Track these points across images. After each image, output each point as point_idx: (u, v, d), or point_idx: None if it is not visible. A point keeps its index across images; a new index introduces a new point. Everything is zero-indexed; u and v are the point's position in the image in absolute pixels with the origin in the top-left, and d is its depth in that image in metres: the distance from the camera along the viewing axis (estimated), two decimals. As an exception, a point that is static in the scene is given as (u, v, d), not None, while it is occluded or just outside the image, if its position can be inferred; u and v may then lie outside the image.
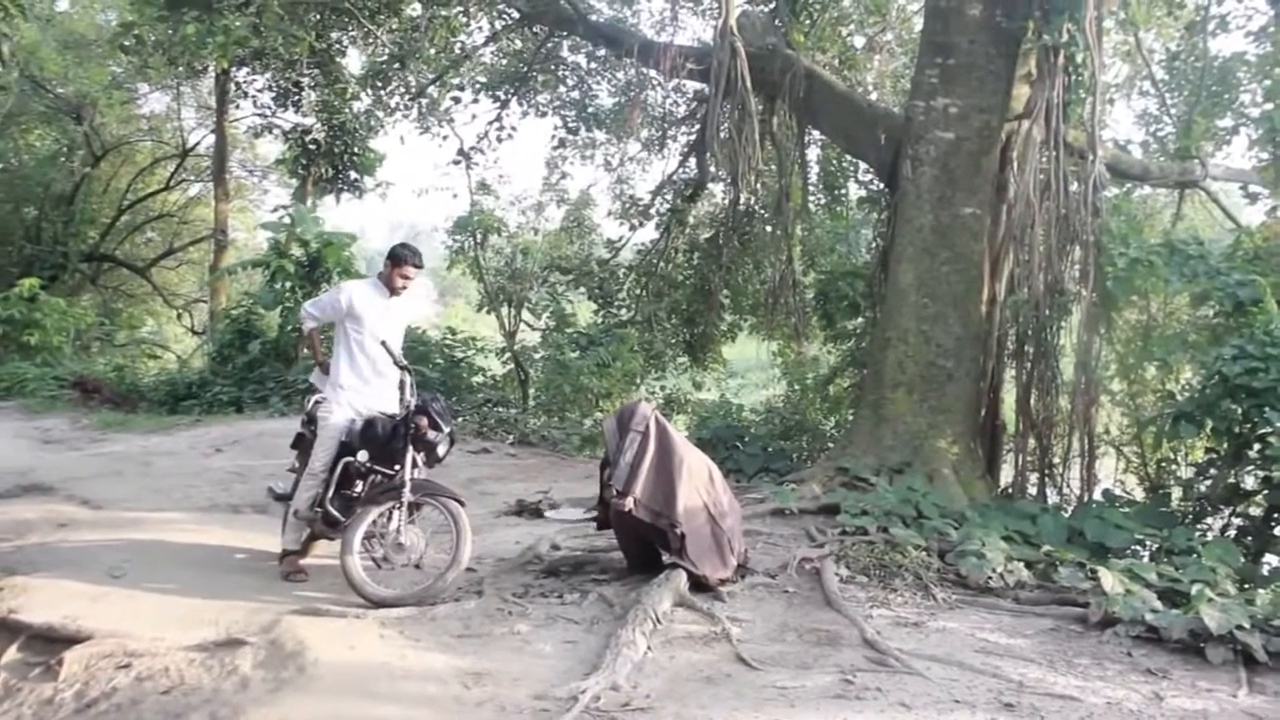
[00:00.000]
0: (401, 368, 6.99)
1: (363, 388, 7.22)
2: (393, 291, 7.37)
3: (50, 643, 5.91)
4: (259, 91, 21.02)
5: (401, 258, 7.33)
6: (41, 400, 17.64)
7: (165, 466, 11.66)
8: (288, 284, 18.42)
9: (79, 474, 11.08)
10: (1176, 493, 10.13)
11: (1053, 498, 10.81)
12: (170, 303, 32.07)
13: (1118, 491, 10.49)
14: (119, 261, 30.50)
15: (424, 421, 6.79)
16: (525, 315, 18.92)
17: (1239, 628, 6.01)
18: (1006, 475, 11.36)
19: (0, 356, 21.47)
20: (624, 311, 18.49)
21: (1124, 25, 14.05)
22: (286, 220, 19.60)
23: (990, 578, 7.31)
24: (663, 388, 18.43)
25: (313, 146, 20.63)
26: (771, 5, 14.48)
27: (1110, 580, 6.75)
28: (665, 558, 6.86)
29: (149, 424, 15.43)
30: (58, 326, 21.42)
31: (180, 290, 33.10)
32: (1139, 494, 10.78)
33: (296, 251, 18.75)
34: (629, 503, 6.61)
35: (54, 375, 19.24)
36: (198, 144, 30.54)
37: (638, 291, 18.52)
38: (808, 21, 14.79)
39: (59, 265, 26.39)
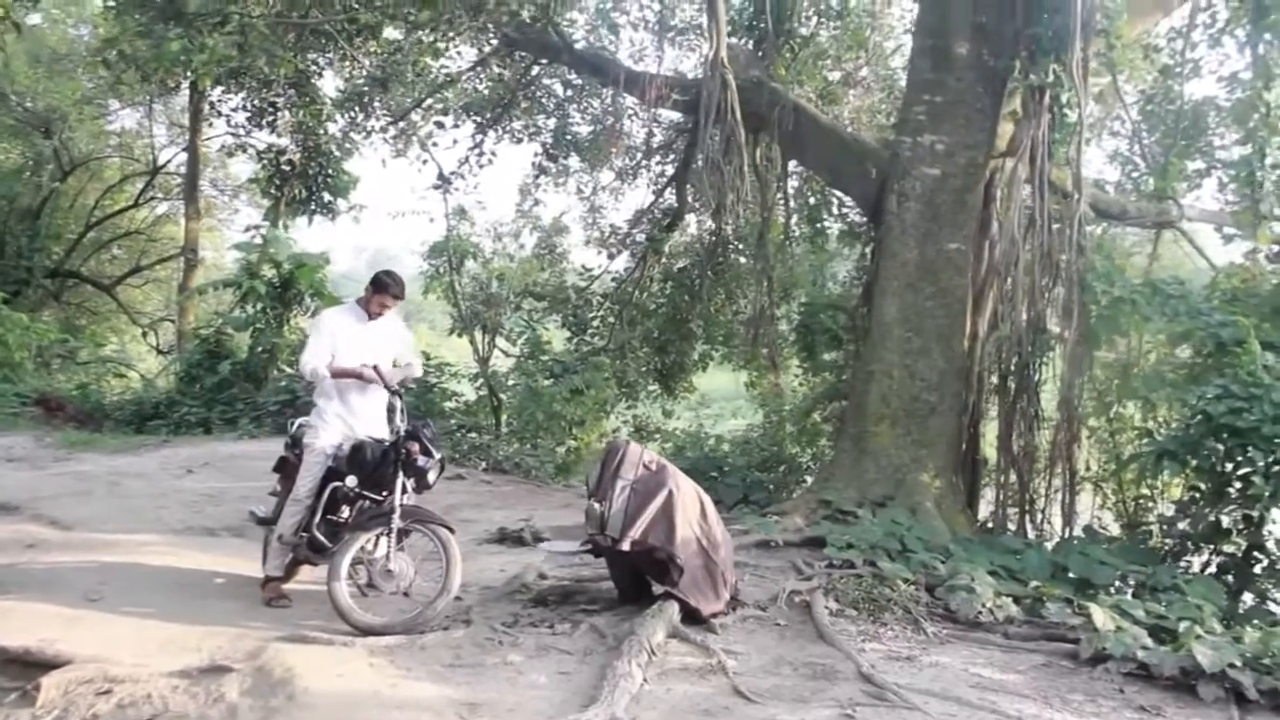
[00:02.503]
0: (392, 393, 6.91)
1: (347, 413, 7.12)
2: (370, 316, 7.30)
3: (27, 667, 5.75)
4: (233, 110, 20.87)
5: (383, 285, 7.25)
6: (3, 418, 17.30)
7: (135, 487, 11.46)
8: (259, 305, 18.26)
9: (45, 493, 10.86)
10: (1155, 529, 10.18)
11: (1030, 533, 10.83)
12: (136, 321, 31.65)
13: (1095, 528, 10.54)
14: (84, 278, 30.09)
15: (415, 447, 6.70)
16: (499, 341, 18.82)
17: (1231, 666, 6.03)
18: (984, 510, 11.40)
19: (-40, 372, 21.10)
20: (597, 339, 18.48)
21: (1101, 67, 14.23)
22: (259, 241, 19.45)
23: (980, 612, 7.30)
24: (635, 416, 18.41)
25: (287, 167, 20.50)
26: (754, 38, 14.58)
27: (1101, 616, 6.75)
28: (656, 589, 6.80)
29: (115, 443, 15.19)
30: (20, 342, 21.04)
31: (145, 309, 32.69)
32: (1115, 530, 10.84)
33: (268, 272, 18.60)
34: (626, 544, 6.55)
35: (16, 392, 18.90)
36: (169, 162, 30.28)
37: (611, 320, 18.53)
38: (789, 55, 14.89)
39: (22, 280, 25.98)
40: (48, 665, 5.67)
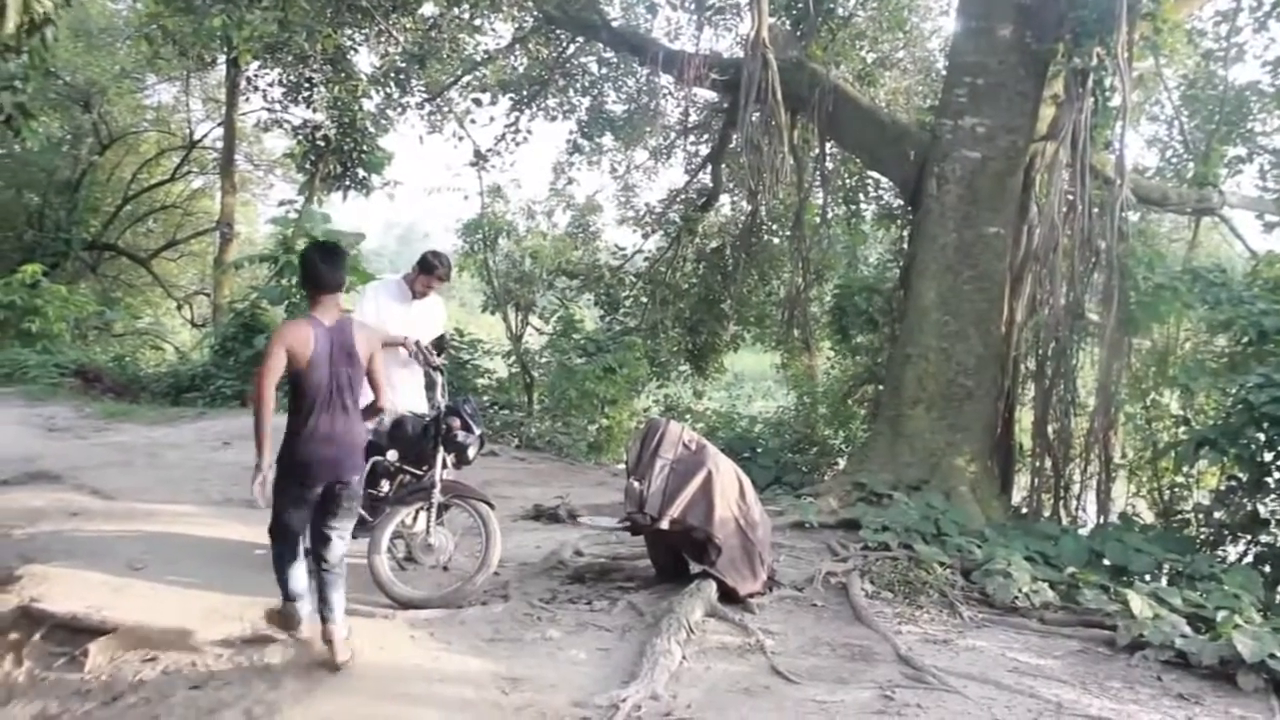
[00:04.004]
0: (434, 368, 6.95)
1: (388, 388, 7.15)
2: (415, 295, 7.32)
3: (74, 633, 5.84)
4: (269, 86, 20.95)
5: (430, 267, 7.29)
6: (43, 388, 17.49)
7: (173, 458, 11.57)
8: (294, 279, 18.32)
9: (86, 463, 10.99)
10: (1192, 518, 10.13)
11: (1064, 520, 10.80)
12: (171, 294, 31.87)
13: (1129, 515, 10.50)
14: (121, 251, 30.30)
15: (456, 422, 6.74)
16: (532, 319, 18.87)
17: (1271, 656, 6.00)
18: (1017, 496, 11.38)
19: (0, 342, 21.35)
20: (630, 319, 18.52)
21: (1144, 51, 14.12)
22: (294, 215, 19.52)
23: (1016, 598, 7.30)
24: (666, 396, 18.44)
25: (322, 143, 20.52)
26: (793, 19, 14.51)
27: (1139, 604, 6.73)
28: (693, 568, 6.84)
29: (152, 415, 15.33)
30: (59, 314, 21.26)
31: (180, 282, 32.92)
32: (1149, 518, 10.80)
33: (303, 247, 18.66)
34: (665, 523, 6.57)
35: (55, 363, 19.09)
36: (205, 136, 30.45)
37: (644, 299, 18.56)
38: (827, 36, 14.81)
39: (61, 253, 26.21)
40: (94, 631, 5.75)
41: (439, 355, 7.18)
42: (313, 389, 5.29)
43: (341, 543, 5.57)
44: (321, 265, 5.43)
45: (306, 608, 5.47)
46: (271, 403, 5.24)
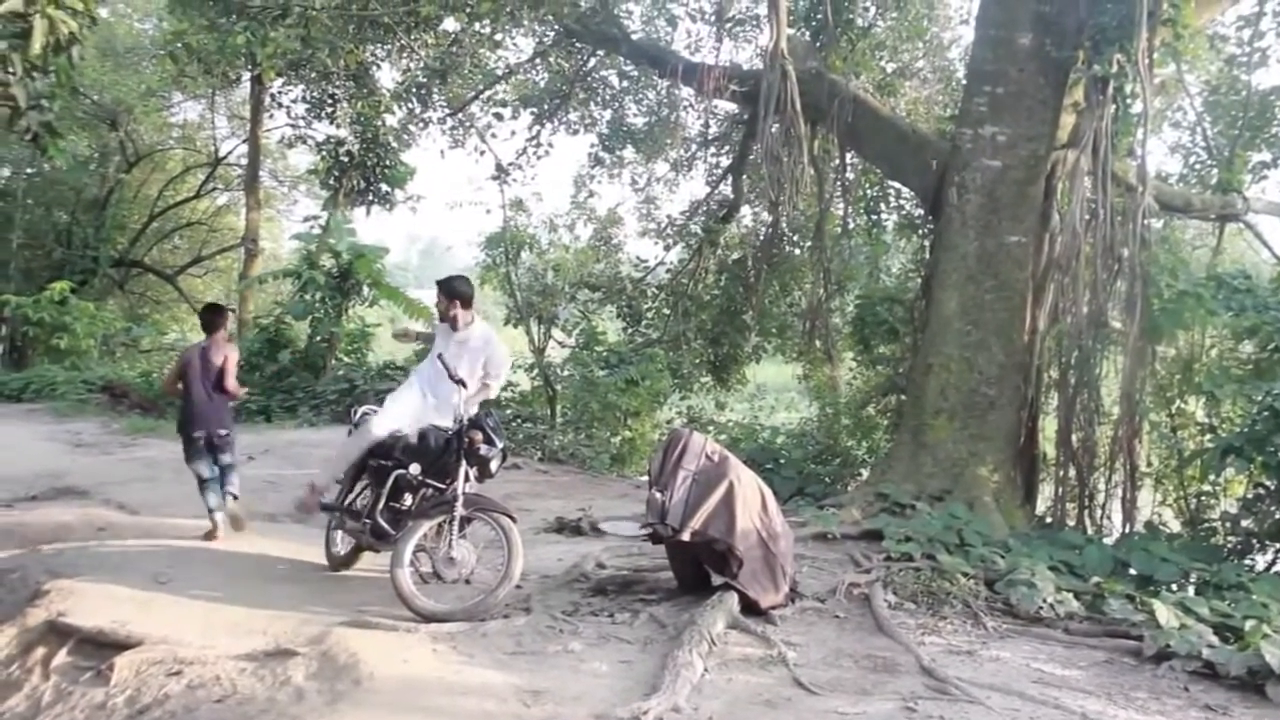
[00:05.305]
0: (457, 381, 6.97)
1: (414, 405, 7.25)
2: (453, 326, 7.36)
3: (100, 647, 5.90)
4: (293, 102, 21.12)
5: (439, 290, 7.44)
6: (71, 404, 17.69)
7: (199, 473, 11.64)
8: (318, 294, 18.45)
9: (113, 478, 11.12)
10: (1219, 527, 10.04)
11: (1089, 529, 10.73)
12: (197, 310, 32.10)
13: (1155, 524, 10.42)
14: (147, 267, 30.56)
15: (478, 436, 6.76)
16: (554, 332, 18.93)
17: (1301, 666, 5.93)
18: (1041, 505, 11.31)
19: (29, 359, 21.60)
20: (652, 331, 18.53)
21: (1164, 57, 14.05)
22: (318, 231, 19.67)
23: (1041, 608, 7.25)
24: (689, 407, 18.44)
25: (345, 158, 20.67)
26: (812, 30, 14.53)
27: (1165, 614, 6.68)
28: (715, 579, 6.83)
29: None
30: (87, 330, 21.50)
31: (206, 298, 33.12)
32: (1175, 527, 10.72)
33: (327, 262, 18.80)
34: (686, 535, 6.57)
35: (82, 379, 19.29)
36: (229, 153, 30.69)
37: (665, 311, 18.58)
38: (847, 46, 14.82)
39: (89, 270, 26.49)
40: (120, 645, 5.81)
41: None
42: (189, 382, 8.33)
43: (225, 456, 8.43)
44: (204, 317, 8.81)
45: (213, 499, 8.30)
46: (173, 389, 8.70)
